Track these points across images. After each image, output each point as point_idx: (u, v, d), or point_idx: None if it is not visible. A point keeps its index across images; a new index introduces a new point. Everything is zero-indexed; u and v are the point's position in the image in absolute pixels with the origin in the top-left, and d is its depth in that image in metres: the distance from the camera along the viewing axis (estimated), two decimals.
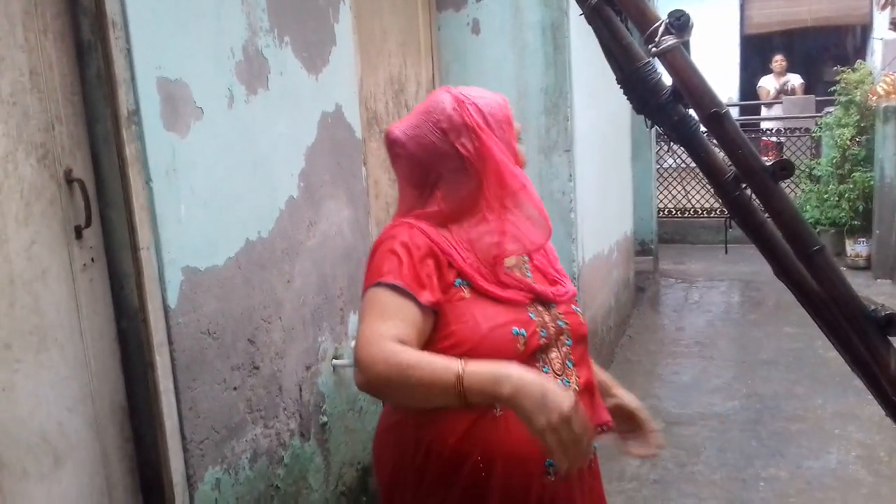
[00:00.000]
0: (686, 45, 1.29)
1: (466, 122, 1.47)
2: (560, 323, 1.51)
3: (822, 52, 12.79)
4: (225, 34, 2.14)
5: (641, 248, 6.58)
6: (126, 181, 1.85)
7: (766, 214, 1.25)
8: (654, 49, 1.24)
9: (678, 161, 7.99)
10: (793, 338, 5.01)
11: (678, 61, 1.23)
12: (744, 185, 1.25)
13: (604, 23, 1.40)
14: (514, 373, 1.21)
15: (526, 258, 1.59)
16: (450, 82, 3.77)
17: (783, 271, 1.26)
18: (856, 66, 7.04)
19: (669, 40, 1.22)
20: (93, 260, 1.88)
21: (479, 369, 1.23)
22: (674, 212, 8.24)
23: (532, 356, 1.42)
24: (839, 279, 1.17)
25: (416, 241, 1.42)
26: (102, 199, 1.89)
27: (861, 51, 11.51)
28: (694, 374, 4.61)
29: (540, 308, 1.49)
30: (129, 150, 1.85)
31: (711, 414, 3.99)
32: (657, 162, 7.30)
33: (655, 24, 1.24)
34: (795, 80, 9.96)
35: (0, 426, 1.66)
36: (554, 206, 3.71)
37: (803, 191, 7.32)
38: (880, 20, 9.85)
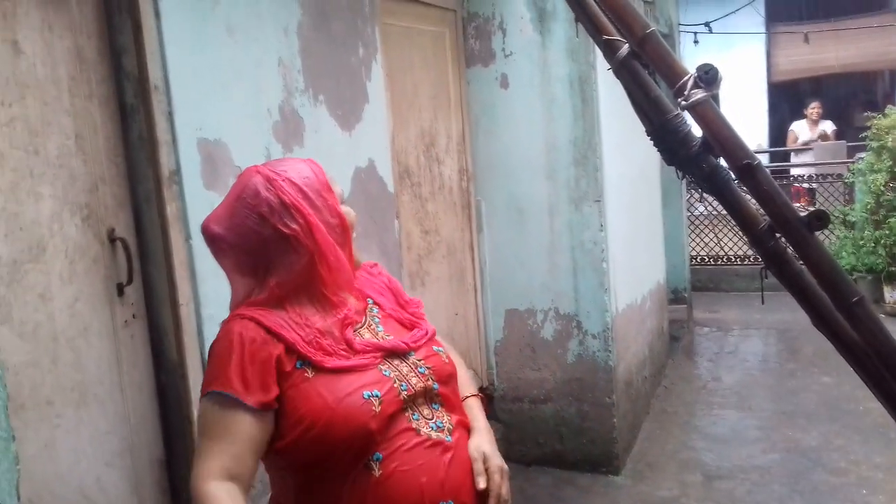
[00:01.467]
0: (715, 97, 1.30)
1: (284, 200, 1.40)
2: (421, 370, 1.47)
3: (851, 98, 12.75)
4: (263, 95, 2.21)
5: (674, 297, 6.50)
6: (167, 239, 1.90)
7: (802, 264, 1.24)
8: (683, 102, 1.26)
9: (709, 208, 7.95)
10: (831, 387, 4.89)
11: (708, 114, 1.24)
12: (778, 236, 1.25)
13: (632, 77, 1.42)
14: None
15: (375, 308, 1.56)
16: (479, 135, 3.82)
17: (821, 321, 1.25)
18: (886, 111, 7.00)
19: (699, 94, 1.23)
20: (134, 316, 1.93)
21: None
22: (706, 259, 8.16)
23: (399, 412, 1.41)
24: (880, 330, 1.15)
25: (249, 335, 1.36)
26: (144, 257, 1.94)
27: (891, 96, 11.46)
28: (732, 426, 4.51)
29: (396, 362, 1.46)
30: (171, 209, 1.90)
31: (751, 467, 3.89)
32: (688, 209, 7.26)
33: (684, 79, 1.25)
34: (828, 126, 9.90)
35: (42, 483, 1.68)
36: (585, 257, 3.71)
37: (838, 237, 7.22)
38: None
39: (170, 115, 1.90)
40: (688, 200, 7.23)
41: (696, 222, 8.09)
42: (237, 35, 2.12)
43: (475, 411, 1.60)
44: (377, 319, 1.54)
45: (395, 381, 1.43)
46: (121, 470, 1.89)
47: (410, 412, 1.43)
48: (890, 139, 6.61)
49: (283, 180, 1.42)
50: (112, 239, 1.87)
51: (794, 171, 9.19)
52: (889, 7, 11.45)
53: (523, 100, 3.73)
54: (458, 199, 3.79)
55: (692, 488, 3.69)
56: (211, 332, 2.01)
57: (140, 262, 1.94)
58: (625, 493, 3.67)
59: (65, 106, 1.79)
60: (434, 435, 1.43)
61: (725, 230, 7.90)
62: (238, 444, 1.33)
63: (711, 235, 8.10)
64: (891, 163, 6.59)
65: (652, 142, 1.47)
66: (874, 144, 6.74)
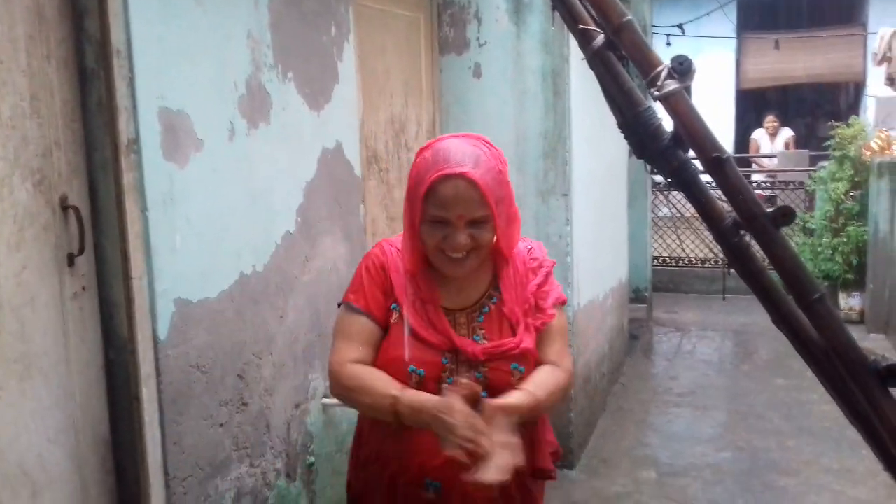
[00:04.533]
0: (688, 90, 1.29)
1: (410, 178, 1.61)
2: (478, 375, 1.58)
3: (816, 108, 12.98)
4: (229, 67, 2.16)
5: (635, 296, 6.55)
6: (122, 210, 1.84)
7: (766, 261, 1.24)
8: (656, 93, 1.24)
9: (673, 210, 8.03)
10: (785, 389, 4.98)
11: (680, 105, 1.23)
12: (743, 232, 1.25)
13: (606, 68, 1.41)
14: (428, 404, 1.48)
15: (494, 298, 1.66)
16: (450, 124, 3.79)
17: (782, 319, 1.25)
18: (850, 121, 7.12)
19: (672, 84, 1.22)
20: (84, 288, 1.86)
21: (414, 402, 1.50)
22: (668, 261, 8.25)
23: (434, 394, 1.53)
24: (840, 328, 1.15)
25: (376, 262, 1.66)
26: (97, 227, 1.88)
27: (854, 107, 11.68)
28: (686, 424, 4.56)
29: (461, 356, 1.59)
30: (127, 179, 1.84)
31: (704, 465, 3.94)
32: (652, 211, 7.32)
33: (658, 69, 1.24)
34: (787, 133, 10.08)
35: None
36: (550, 250, 3.66)
37: (797, 244, 7.34)
38: (874, 78, 10.02)
39: (131, 82, 1.84)
40: (652, 202, 7.29)
41: (660, 223, 8.17)
42: (205, 4, 2.06)
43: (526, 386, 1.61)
44: (486, 309, 1.65)
45: (446, 372, 1.58)
46: (64, 447, 1.83)
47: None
48: (852, 149, 6.73)
49: (422, 166, 1.56)
50: (64, 207, 1.80)
51: (756, 178, 9.34)
52: (858, 20, 11.66)
53: (496, 90, 3.70)
54: None
55: (646, 485, 3.72)
56: (164, 309, 1.95)
57: (93, 232, 1.87)
58: (579, 488, 3.69)
59: (21, 66, 1.72)
60: None
61: (688, 232, 7.99)
62: (364, 345, 1.62)
63: (674, 237, 8.19)
64: (852, 172, 6.72)
65: (623, 134, 1.46)
66: (837, 153, 6.86)
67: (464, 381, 1.53)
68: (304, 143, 2.53)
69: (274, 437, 2.39)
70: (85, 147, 1.86)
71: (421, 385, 1.56)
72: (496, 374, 1.58)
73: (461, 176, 1.50)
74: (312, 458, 2.58)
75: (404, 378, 1.56)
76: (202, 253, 2.07)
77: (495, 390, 1.55)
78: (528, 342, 1.62)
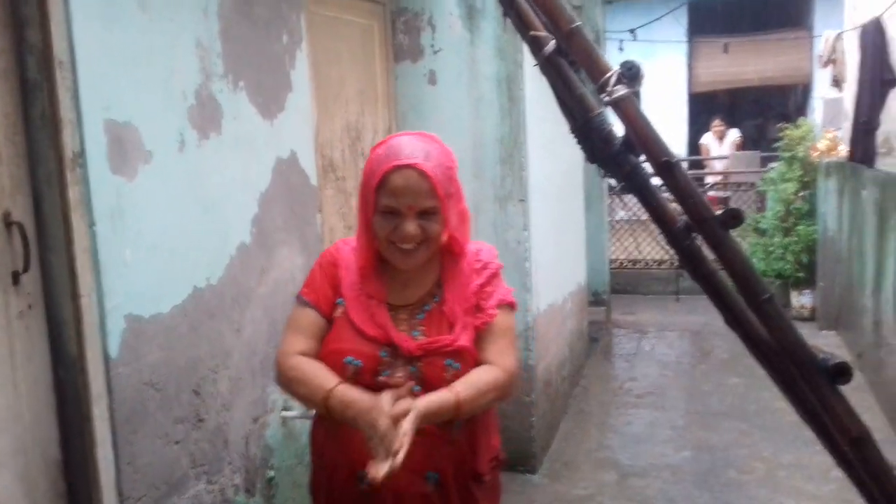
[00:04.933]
0: (637, 95, 1.31)
1: (363, 174, 1.69)
2: (412, 369, 1.62)
3: (767, 110, 13.26)
4: (177, 77, 2.12)
5: (594, 299, 6.61)
6: (68, 225, 1.79)
7: (717, 263, 1.26)
8: (606, 98, 1.25)
9: (629, 213, 8.13)
10: (741, 388, 5.06)
11: (630, 110, 1.24)
12: (694, 235, 1.26)
13: (557, 73, 1.42)
14: (357, 400, 1.56)
15: (436, 297, 1.71)
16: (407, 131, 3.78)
17: (734, 320, 1.27)
18: (798, 122, 7.29)
19: (621, 90, 1.24)
20: (30, 307, 1.81)
21: (344, 396, 1.57)
22: (625, 263, 8.34)
23: (368, 385, 1.60)
24: (789, 327, 1.17)
25: (329, 258, 1.76)
26: (43, 243, 1.83)
27: (803, 109, 11.96)
28: (646, 425, 4.60)
29: (399, 350, 1.64)
30: (73, 193, 1.79)
31: (663, 465, 3.98)
32: (609, 214, 7.40)
33: (608, 74, 1.25)
34: (734, 134, 10.34)
35: None
36: (509, 256, 3.71)
37: (750, 244, 7.48)
38: (821, 80, 10.27)
39: (75, 93, 1.79)
40: (609, 205, 7.37)
41: (617, 227, 8.26)
42: (151, 12, 2.02)
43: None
44: (428, 307, 1.70)
45: (383, 365, 1.63)
46: (13, 470, 1.77)
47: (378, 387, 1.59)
48: (800, 150, 6.89)
49: (374, 162, 1.63)
50: (8, 223, 1.74)
51: (709, 180, 9.52)
52: (804, 23, 11.96)
53: (451, 97, 3.71)
54: None
55: (607, 486, 3.75)
56: (115, 326, 1.91)
57: (38, 248, 1.81)
58: (541, 492, 3.70)
59: None
60: None
61: (644, 235, 8.09)
62: (310, 338, 1.69)
63: (631, 240, 8.28)
64: (801, 172, 6.87)
65: (575, 139, 1.47)
66: (786, 155, 7.01)
67: (398, 375, 1.60)
68: (258, 153, 2.50)
69: (232, 453, 2.35)
70: (28, 161, 1.80)
71: (358, 376, 1.61)
72: (430, 369, 1.62)
73: (412, 167, 1.58)
74: (272, 472, 2.54)
75: (341, 369, 1.62)
76: (153, 267, 2.02)
77: (430, 385, 1.60)
78: (464, 340, 1.65)
